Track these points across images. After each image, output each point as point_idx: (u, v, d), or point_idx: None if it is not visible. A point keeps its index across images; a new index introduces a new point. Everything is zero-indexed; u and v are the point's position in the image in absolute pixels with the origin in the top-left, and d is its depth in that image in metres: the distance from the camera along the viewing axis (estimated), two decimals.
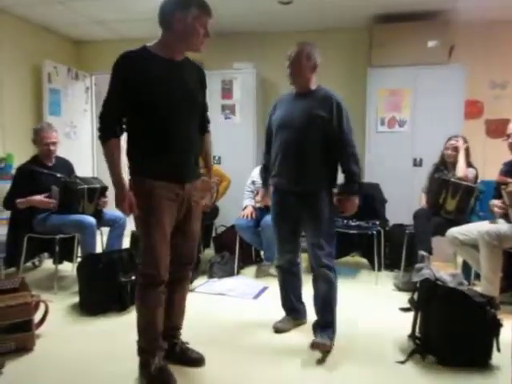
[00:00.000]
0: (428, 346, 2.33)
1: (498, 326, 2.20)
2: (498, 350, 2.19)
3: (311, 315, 2.57)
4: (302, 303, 2.76)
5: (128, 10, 4.40)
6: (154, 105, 1.88)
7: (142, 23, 4.67)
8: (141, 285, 2.02)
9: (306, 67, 2.40)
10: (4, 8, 4.42)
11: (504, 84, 4.68)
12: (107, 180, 3.58)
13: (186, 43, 1.93)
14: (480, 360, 2.22)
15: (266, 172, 2.69)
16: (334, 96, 2.40)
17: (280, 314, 2.74)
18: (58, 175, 3.39)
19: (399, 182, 4.41)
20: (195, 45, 1.94)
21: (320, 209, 2.38)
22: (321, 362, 2.27)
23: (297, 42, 2.46)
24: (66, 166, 3.61)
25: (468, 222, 3.33)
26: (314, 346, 2.31)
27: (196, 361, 2.20)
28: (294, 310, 2.74)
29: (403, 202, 4.16)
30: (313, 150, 2.36)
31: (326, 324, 2.42)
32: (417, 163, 4.48)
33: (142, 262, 1.99)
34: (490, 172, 3.65)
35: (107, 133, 1.91)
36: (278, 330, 2.63)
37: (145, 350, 2.04)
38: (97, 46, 5.54)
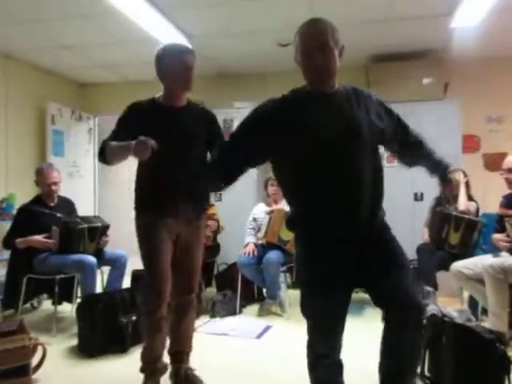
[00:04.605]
0: None
1: (508, 363, 2.14)
2: None
3: None
4: None
5: (132, 54, 4.54)
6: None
7: (145, 66, 4.79)
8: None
9: (336, 55, 1.68)
10: (11, 54, 4.59)
11: (500, 118, 4.77)
12: (108, 218, 3.63)
13: (173, 85, 2.11)
14: None
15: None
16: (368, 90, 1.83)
17: (284, 354, 2.65)
18: (58, 215, 3.39)
19: (401, 217, 4.38)
20: (182, 84, 2.11)
21: (393, 238, 1.82)
22: None
23: (310, 19, 1.66)
24: (67, 205, 3.62)
25: (473, 255, 3.30)
26: None
27: None
28: None
29: (406, 237, 4.09)
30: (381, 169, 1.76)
31: None
32: (418, 198, 4.49)
33: None
34: (491, 205, 3.65)
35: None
36: None
37: (143, 371, 2.23)
38: (101, 88, 5.70)
